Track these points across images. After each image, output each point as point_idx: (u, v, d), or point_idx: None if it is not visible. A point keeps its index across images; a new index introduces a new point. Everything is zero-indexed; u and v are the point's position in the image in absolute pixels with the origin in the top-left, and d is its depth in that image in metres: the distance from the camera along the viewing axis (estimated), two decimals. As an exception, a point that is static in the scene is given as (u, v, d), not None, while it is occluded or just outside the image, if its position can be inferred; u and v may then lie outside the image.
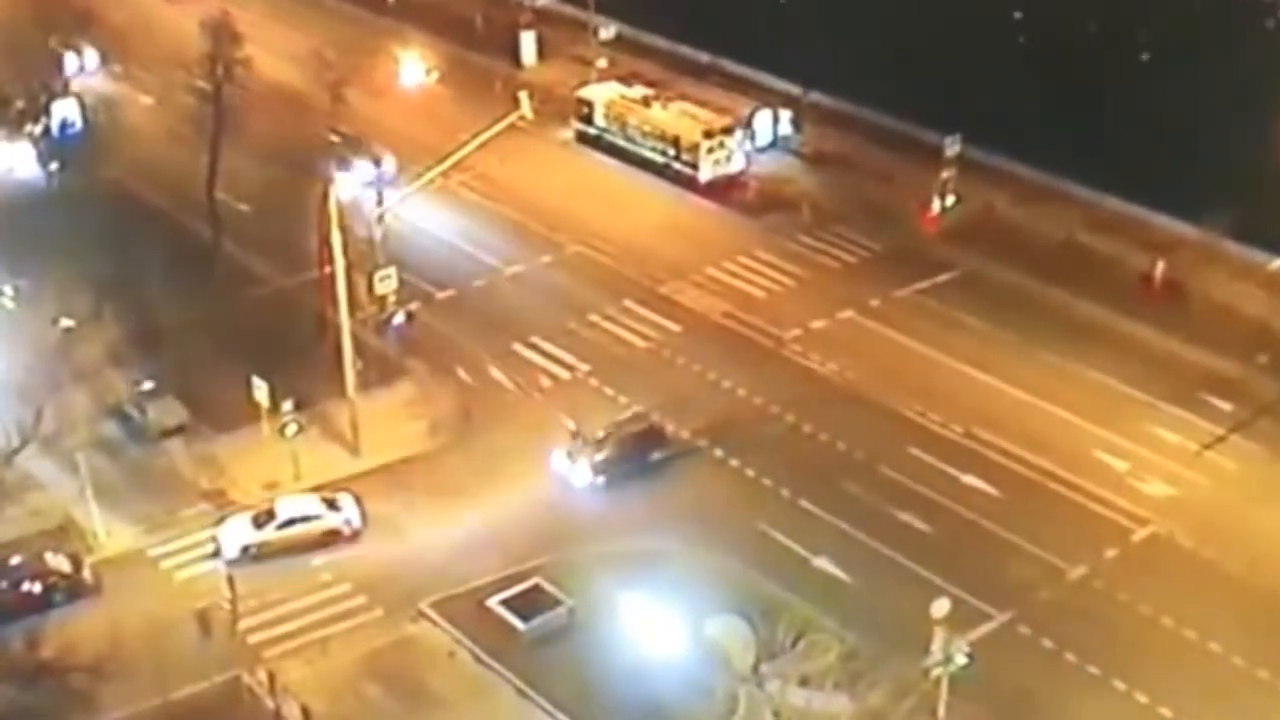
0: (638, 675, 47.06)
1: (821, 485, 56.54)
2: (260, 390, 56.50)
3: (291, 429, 56.58)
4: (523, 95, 68.30)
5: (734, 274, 70.50)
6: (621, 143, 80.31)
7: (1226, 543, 53.50)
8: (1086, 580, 52.51)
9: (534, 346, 65.37)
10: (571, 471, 56.89)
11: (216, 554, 53.78)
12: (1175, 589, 51.70)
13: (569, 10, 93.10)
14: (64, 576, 52.25)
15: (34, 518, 54.41)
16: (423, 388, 63.19)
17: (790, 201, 76.33)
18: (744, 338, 66.10)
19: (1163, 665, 48.75)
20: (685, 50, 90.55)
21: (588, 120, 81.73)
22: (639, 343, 65.95)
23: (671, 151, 77.91)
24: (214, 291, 67.22)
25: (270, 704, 47.67)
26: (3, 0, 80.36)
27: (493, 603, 51.13)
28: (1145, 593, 51.48)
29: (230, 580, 49.45)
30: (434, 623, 51.13)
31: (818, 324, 66.55)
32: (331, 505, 55.19)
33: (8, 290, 65.72)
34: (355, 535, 54.92)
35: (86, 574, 52.65)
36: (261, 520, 54.36)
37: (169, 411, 59.81)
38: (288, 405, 56.44)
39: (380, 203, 65.25)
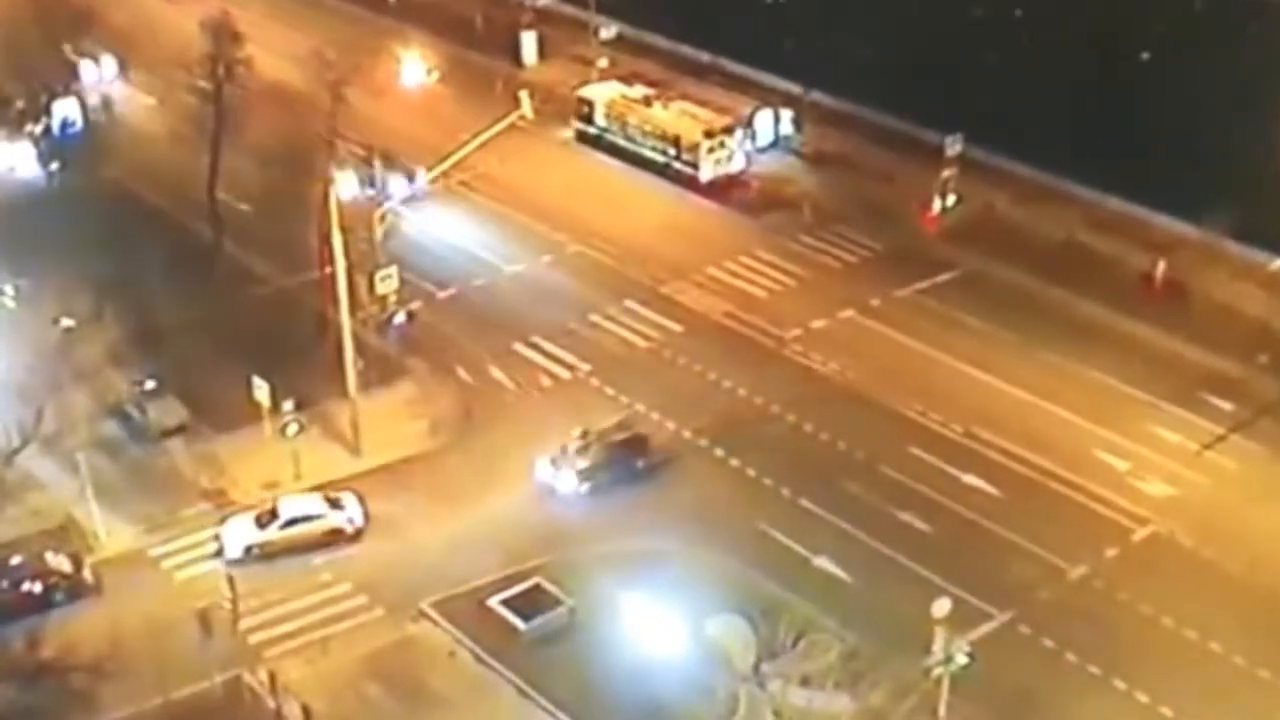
0: (638, 675, 47.06)
1: (822, 485, 56.55)
2: (261, 390, 56.53)
3: (292, 429, 56.60)
4: (523, 95, 68.43)
5: (735, 274, 70.52)
6: (622, 142, 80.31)
7: (1227, 542, 53.51)
8: (1087, 580, 52.52)
9: (535, 346, 65.38)
10: (556, 479, 56.62)
11: (219, 554, 53.81)
12: (1176, 589, 51.71)
13: (569, 10, 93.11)
14: (64, 576, 52.25)
15: (34, 517, 54.42)
16: (423, 387, 63.20)
17: (791, 201, 76.35)
18: (745, 337, 66.11)
19: (1163, 665, 48.76)
20: (686, 50, 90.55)
21: (588, 120, 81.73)
22: (640, 342, 65.97)
23: (672, 151, 77.91)
24: (215, 291, 67.24)
25: (271, 704, 47.67)
26: (3, 0, 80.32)
27: (493, 602, 51.13)
28: (1146, 592, 51.49)
29: (231, 580, 49.41)
30: (435, 622, 51.13)
31: (818, 324, 66.56)
32: (334, 504, 55.20)
33: (8, 290, 65.72)
34: (358, 534, 54.94)
35: (87, 574, 52.67)
36: (264, 520, 54.36)
37: (169, 411, 59.81)
38: (288, 405, 56.48)
39: (382, 202, 65.34)
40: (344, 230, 57.18)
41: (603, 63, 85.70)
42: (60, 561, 52.61)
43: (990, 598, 50.74)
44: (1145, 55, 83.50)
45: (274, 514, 54.43)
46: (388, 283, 63.27)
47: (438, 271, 69.84)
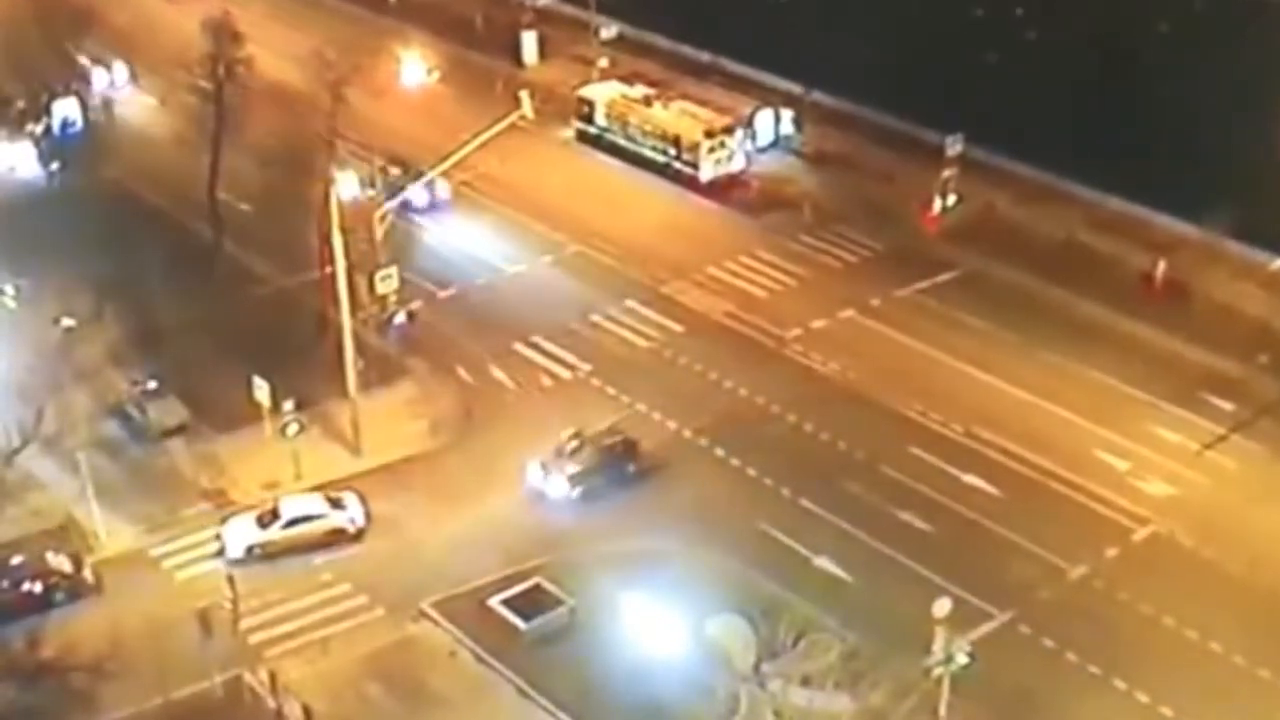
0: (639, 675, 47.06)
1: (822, 485, 56.55)
2: (261, 390, 56.53)
3: (292, 429, 56.59)
4: (524, 95, 68.29)
5: (735, 274, 70.51)
6: (622, 142, 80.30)
7: (1227, 542, 53.50)
8: (1087, 580, 52.51)
9: (535, 346, 65.38)
10: (547, 484, 56.41)
11: (221, 553, 53.81)
12: (1176, 588, 51.70)
13: (570, 10, 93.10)
14: (65, 576, 52.26)
15: (35, 517, 54.40)
16: (424, 387, 63.20)
17: (791, 201, 76.33)
18: (745, 337, 66.10)
19: (1163, 665, 48.75)
20: (686, 50, 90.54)
21: (589, 120, 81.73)
22: (640, 342, 65.97)
23: (672, 151, 77.89)
24: (215, 291, 67.24)
25: (271, 703, 47.68)
26: (3, 1, 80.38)
27: (494, 602, 51.12)
28: (1146, 592, 51.49)
29: (231, 580, 49.42)
30: (435, 622, 51.13)
31: (819, 323, 66.55)
32: (336, 504, 55.19)
33: (9, 290, 65.74)
34: (360, 534, 54.94)
35: (87, 574, 52.67)
36: (266, 520, 54.34)
37: (170, 411, 59.80)
38: (289, 405, 56.46)
39: (383, 202, 65.36)
40: (344, 230, 57.19)
41: (603, 63, 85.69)
42: (61, 561, 52.62)
43: (991, 597, 50.73)
44: (1146, 55, 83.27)
45: (275, 514, 54.41)
46: (388, 283, 63.29)
47: (438, 271, 69.84)
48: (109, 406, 59.85)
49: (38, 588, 51.80)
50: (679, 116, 78.73)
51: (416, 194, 71.79)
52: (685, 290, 69.39)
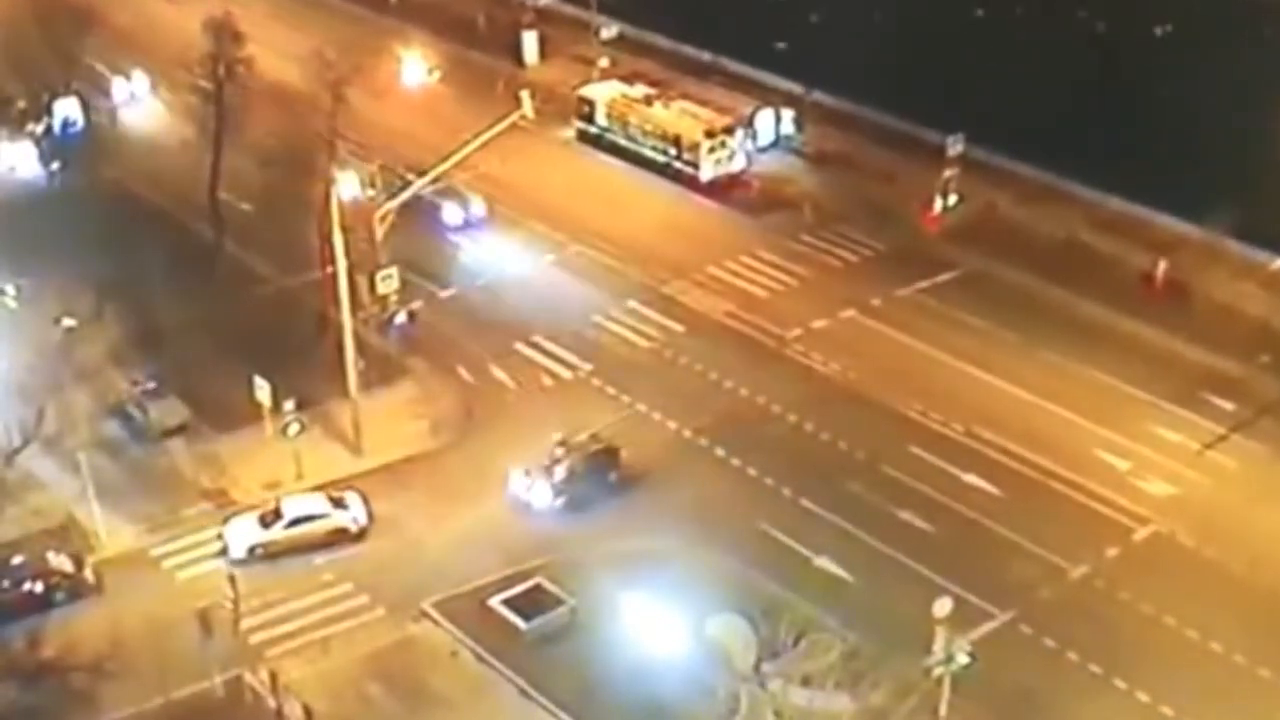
0: (639, 675, 47.05)
1: (823, 484, 56.54)
2: (262, 390, 56.55)
3: (293, 428, 56.61)
4: (524, 94, 68.34)
5: (736, 273, 70.51)
6: (623, 142, 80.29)
7: (1228, 542, 53.49)
8: (1088, 579, 52.50)
9: (536, 346, 65.39)
10: (531, 493, 56.08)
11: (223, 553, 53.81)
12: (1177, 588, 51.69)
13: (571, 10, 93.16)
14: (66, 576, 52.26)
15: (36, 517, 54.40)
16: (424, 387, 63.22)
17: (792, 201, 76.32)
18: (746, 337, 66.10)
19: (1164, 664, 48.74)
20: (687, 49, 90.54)
21: (589, 119, 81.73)
22: (641, 342, 65.97)
23: (673, 151, 77.89)
24: (216, 291, 67.23)
25: (272, 703, 47.67)
26: (3, 1, 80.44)
27: (494, 602, 51.12)
28: (1147, 592, 51.48)
29: (232, 580, 49.45)
30: (436, 622, 51.13)
31: (820, 323, 66.55)
32: (338, 503, 55.19)
33: (10, 289, 65.71)
34: (362, 533, 54.93)
35: (88, 573, 52.67)
36: (268, 520, 54.33)
37: (171, 411, 59.81)
38: (289, 405, 56.49)
39: (383, 203, 65.39)
40: (345, 230, 57.21)
41: (604, 62, 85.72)
42: (61, 561, 52.62)
43: (991, 597, 50.74)
44: (1147, 55, 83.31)
45: (278, 513, 54.40)
46: (388, 282, 63.32)
47: (439, 271, 69.86)
48: (110, 406, 59.87)
49: (38, 587, 51.80)
50: (680, 116, 78.72)
51: (451, 212, 71.69)
52: (686, 290, 69.39)
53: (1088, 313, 65.84)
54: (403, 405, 61.87)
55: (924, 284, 68.81)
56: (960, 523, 54.80)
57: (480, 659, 49.63)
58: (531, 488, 55.85)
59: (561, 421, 58.61)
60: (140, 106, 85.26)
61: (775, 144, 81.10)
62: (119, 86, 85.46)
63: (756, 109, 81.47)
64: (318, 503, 55.03)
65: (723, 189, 77.02)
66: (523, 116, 67.78)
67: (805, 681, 45.60)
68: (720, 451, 58.77)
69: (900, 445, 58.64)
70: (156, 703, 47.55)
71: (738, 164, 77.81)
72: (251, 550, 53.72)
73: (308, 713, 46.75)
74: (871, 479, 56.91)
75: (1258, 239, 68.51)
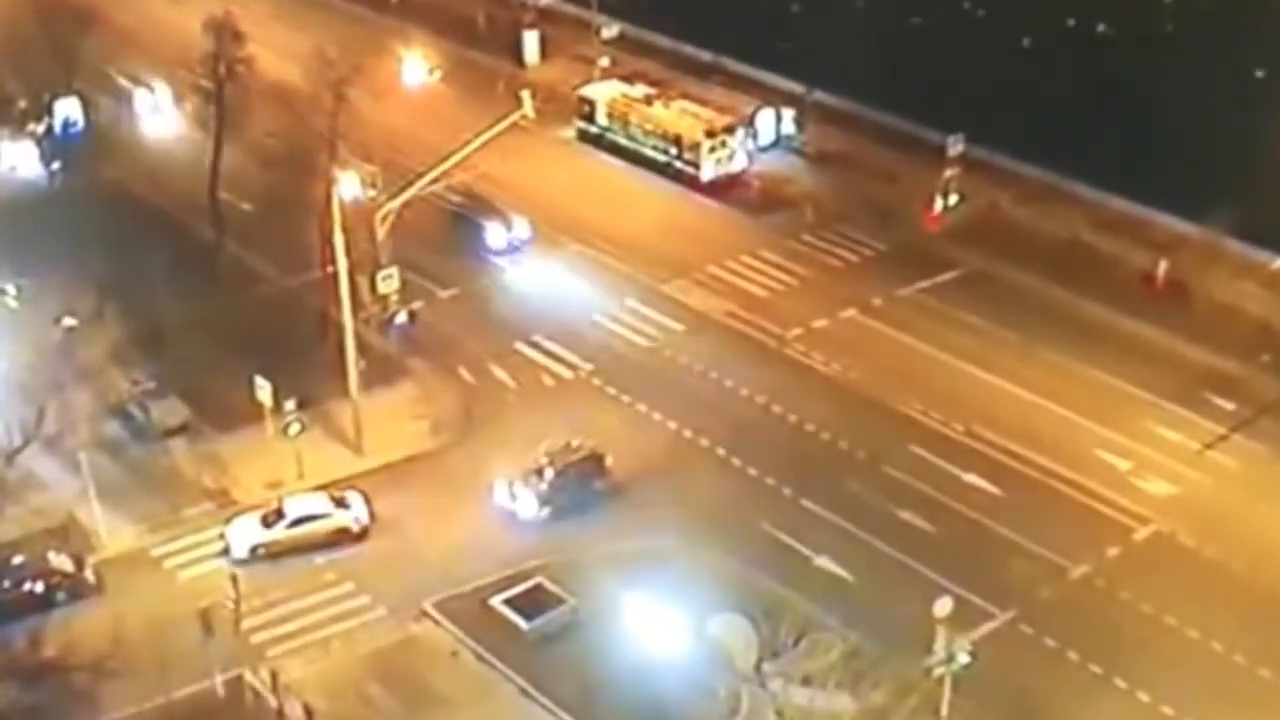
0: (640, 674, 47.03)
1: (824, 484, 56.56)
2: (263, 389, 56.55)
3: (294, 428, 56.62)
4: (525, 94, 68.35)
5: (736, 273, 70.52)
6: (624, 141, 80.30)
7: (1228, 541, 53.51)
8: (1089, 579, 52.52)
9: (536, 345, 65.40)
10: (516, 503, 55.73)
11: (226, 553, 53.82)
12: (1177, 588, 51.71)
13: (571, 9, 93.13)
14: (66, 576, 52.30)
15: (36, 517, 54.36)
16: (425, 387, 63.23)
17: (793, 200, 76.33)
18: (747, 337, 66.12)
19: (1165, 664, 48.75)
20: (688, 49, 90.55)
21: (590, 119, 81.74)
22: (641, 342, 65.98)
23: (673, 150, 77.89)
24: (217, 291, 67.32)
25: (273, 703, 47.69)
26: (4, 1, 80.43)
27: (496, 602, 51.15)
28: (1147, 591, 51.49)
29: (234, 579, 49.48)
30: (437, 622, 51.14)
31: (820, 323, 66.56)
32: (340, 503, 55.21)
33: (10, 289, 65.71)
34: (364, 533, 54.95)
35: (89, 573, 52.71)
36: (270, 519, 54.35)
37: (171, 411, 59.85)
38: (290, 404, 56.50)
39: (383, 203, 65.39)
40: (346, 230, 57.20)
41: (604, 62, 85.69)
42: (62, 561, 52.65)
43: (992, 597, 50.76)
44: (1149, 55, 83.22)
45: (280, 513, 54.42)
46: (389, 282, 63.33)
47: (439, 271, 69.87)
48: (111, 406, 59.82)
49: (39, 587, 51.85)
50: (680, 116, 78.72)
51: (494, 234, 71.65)
52: (686, 289, 69.41)
53: (1088, 312, 65.84)
54: (403, 405, 61.88)
55: (925, 284, 68.81)
56: (961, 522, 54.81)
57: (481, 659, 49.64)
58: (517, 499, 55.56)
59: (561, 422, 58.61)
60: (163, 118, 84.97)
61: (776, 143, 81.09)
62: (142, 97, 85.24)
63: (757, 109, 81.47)
64: (320, 502, 55.05)
65: (723, 188, 77.02)
66: (523, 116, 67.80)
67: (806, 681, 45.57)
68: (721, 451, 58.78)
69: (901, 445, 58.66)
70: (157, 702, 47.56)
71: (738, 164, 77.81)
72: (254, 550, 53.74)
73: (308, 712, 46.78)
74: (872, 479, 56.92)
75: (1258, 239, 68.53)
